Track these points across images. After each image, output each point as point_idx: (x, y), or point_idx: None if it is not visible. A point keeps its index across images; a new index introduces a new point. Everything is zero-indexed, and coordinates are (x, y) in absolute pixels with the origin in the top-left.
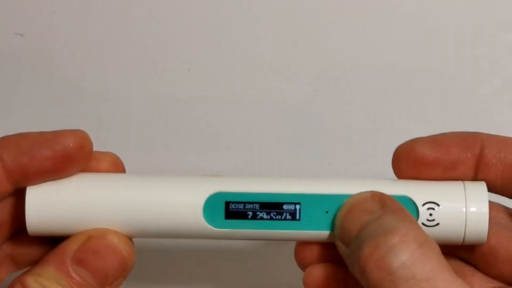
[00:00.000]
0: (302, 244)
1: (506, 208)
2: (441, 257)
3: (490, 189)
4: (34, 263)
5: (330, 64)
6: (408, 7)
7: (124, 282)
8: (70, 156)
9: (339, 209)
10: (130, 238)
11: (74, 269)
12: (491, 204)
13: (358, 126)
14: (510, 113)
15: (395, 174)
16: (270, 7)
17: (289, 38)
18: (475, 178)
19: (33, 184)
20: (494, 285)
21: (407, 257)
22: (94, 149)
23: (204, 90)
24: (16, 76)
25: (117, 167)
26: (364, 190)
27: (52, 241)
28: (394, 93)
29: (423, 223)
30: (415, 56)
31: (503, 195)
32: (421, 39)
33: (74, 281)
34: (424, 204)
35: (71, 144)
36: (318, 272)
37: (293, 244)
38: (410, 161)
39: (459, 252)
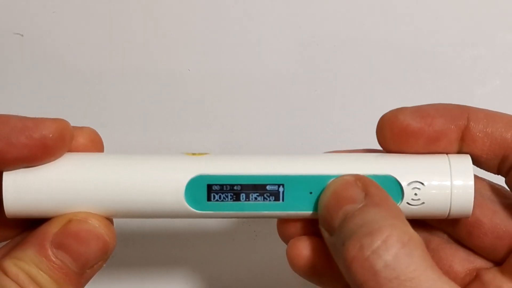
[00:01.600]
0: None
1: (490, 183)
2: (426, 254)
3: (474, 163)
4: (9, 239)
5: (330, 63)
6: (408, 7)
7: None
8: (49, 146)
9: (322, 192)
10: (111, 221)
11: (54, 253)
12: (476, 177)
13: (356, 119)
14: (510, 113)
15: (379, 143)
16: None
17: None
18: (460, 151)
19: (10, 169)
20: (475, 265)
21: (391, 258)
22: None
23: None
24: (16, 76)
25: (95, 143)
26: (348, 170)
27: (30, 220)
28: (394, 93)
29: (408, 203)
30: (415, 56)
31: (487, 170)
32: (421, 39)
33: (54, 265)
34: (409, 184)
35: (51, 134)
36: (301, 244)
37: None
38: (393, 130)
39: (442, 225)
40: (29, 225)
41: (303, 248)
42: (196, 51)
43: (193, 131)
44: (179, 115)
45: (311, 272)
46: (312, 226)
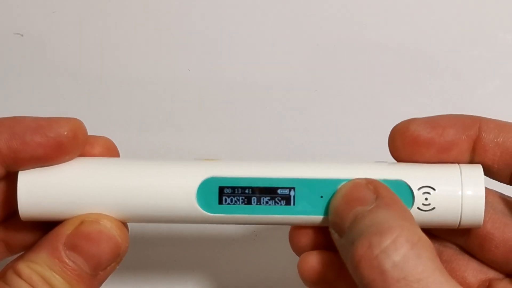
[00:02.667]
0: (296, 228)
1: (501, 195)
2: (434, 256)
3: (486, 173)
4: (27, 248)
5: (331, 64)
6: (408, 7)
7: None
8: (63, 144)
9: (333, 195)
10: (123, 223)
11: (67, 254)
12: (488, 190)
13: (356, 119)
14: (510, 113)
15: (391, 154)
16: None
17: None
18: (471, 162)
19: (25, 169)
20: (488, 275)
21: (399, 258)
22: (90, 133)
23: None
24: (16, 76)
25: (111, 151)
26: (359, 174)
27: (46, 226)
28: (394, 93)
29: (418, 208)
30: (415, 56)
31: (498, 180)
32: (421, 39)
33: (67, 266)
34: (419, 189)
35: (65, 133)
36: (313, 258)
37: (287, 228)
38: (404, 141)
39: (454, 237)
40: (44, 232)
41: (315, 263)
42: (196, 52)
43: (193, 132)
44: (179, 116)
45: (323, 285)
46: (324, 237)
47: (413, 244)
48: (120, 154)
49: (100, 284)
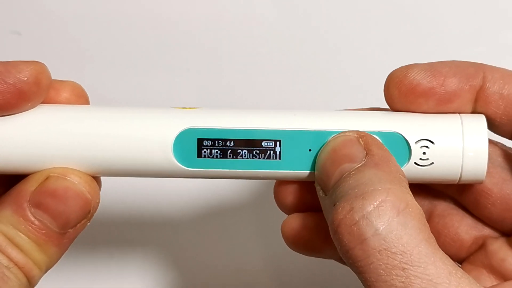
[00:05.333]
0: (282, 184)
1: (502, 147)
2: (422, 225)
3: (487, 126)
4: None
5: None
6: (410, 5)
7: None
8: (23, 91)
9: (321, 149)
10: (93, 177)
11: (32, 212)
12: (488, 140)
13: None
14: None
15: (387, 102)
16: None
17: None
18: (472, 112)
19: None
20: (482, 233)
21: (382, 226)
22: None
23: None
24: None
25: (80, 97)
26: (351, 125)
27: (9, 180)
28: None
29: (415, 163)
30: (416, 55)
31: (500, 135)
32: (422, 37)
33: (33, 225)
34: (417, 142)
35: (25, 78)
36: (296, 222)
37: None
38: (401, 89)
39: (449, 190)
40: (7, 187)
41: (298, 226)
42: None
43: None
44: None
45: (307, 249)
46: (312, 194)
47: (399, 211)
48: (91, 101)
49: (71, 241)
